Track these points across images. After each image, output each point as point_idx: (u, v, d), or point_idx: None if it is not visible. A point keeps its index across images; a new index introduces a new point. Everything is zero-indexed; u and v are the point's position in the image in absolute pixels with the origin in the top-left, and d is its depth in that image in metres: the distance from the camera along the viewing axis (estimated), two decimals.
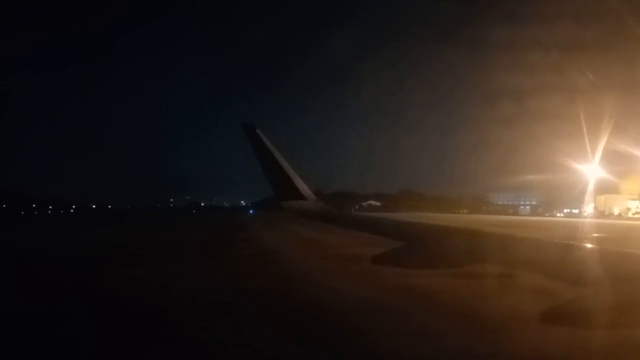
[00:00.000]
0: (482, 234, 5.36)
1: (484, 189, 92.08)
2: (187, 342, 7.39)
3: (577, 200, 60.63)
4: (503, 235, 5.35)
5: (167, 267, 15.94)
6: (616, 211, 60.92)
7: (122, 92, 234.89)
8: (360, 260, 14.15)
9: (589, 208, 56.73)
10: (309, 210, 7.56)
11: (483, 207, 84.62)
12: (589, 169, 42.44)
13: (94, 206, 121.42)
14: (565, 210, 69.01)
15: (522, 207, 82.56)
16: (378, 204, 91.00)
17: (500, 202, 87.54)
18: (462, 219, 47.08)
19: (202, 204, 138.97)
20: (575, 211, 64.04)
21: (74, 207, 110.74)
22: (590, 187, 47.25)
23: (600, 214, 57.84)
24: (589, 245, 4.77)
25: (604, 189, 57.69)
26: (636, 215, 57.82)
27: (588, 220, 47.88)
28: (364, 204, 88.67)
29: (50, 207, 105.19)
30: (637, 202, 61.42)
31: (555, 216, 65.61)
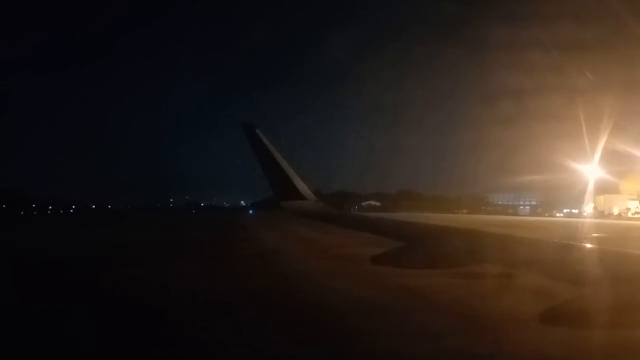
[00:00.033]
0: (481, 234, 5.36)
1: (483, 189, 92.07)
2: (187, 342, 7.40)
3: (577, 200, 60.68)
4: (502, 235, 5.36)
5: (167, 267, 15.94)
6: (616, 211, 60.89)
7: (122, 92, 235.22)
8: (359, 260, 14.16)
9: (588, 208, 56.74)
10: (309, 210, 7.56)
11: (483, 207, 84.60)
12: (589, 169, 42.49)
13: (94, 206, 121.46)
14: (564, 211, 68.99)
15: (521, 207, 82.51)
16: (378, 204, 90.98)
17: (500, 202, 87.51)
18: (462, 219, 47.09)
19: (202, 204, 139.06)
20: (575, 211, 64.04)
21: (74, 207, 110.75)
22: (590, 187, 47.31)
23: (599, 214, 57.81)
24: (588, 245, 4.78)
25: (603, 189, 57.70)
26: (636, 215, 57.81)
27: (587, 220, 47.87)
28: (363, 204, 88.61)
29: (50, 207, 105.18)
30: (637, 202, 61.42)
31: (555, 216, 65.60)
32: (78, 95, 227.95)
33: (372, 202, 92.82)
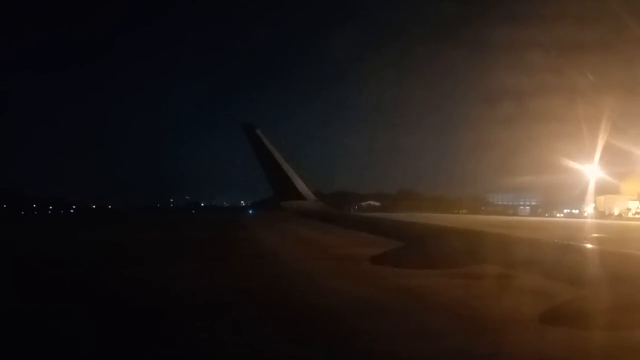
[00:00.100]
0: (481, 234, 5.36)
1: (483, 189, 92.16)
2: (187, 342, 7.40)
3: (577, 200, 60.79)
4: (502, 235, 5.35)
5: (167, 267, 15.94)
6: (616, 211, 60.93)
7: (122, 92, 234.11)
8: (359, 261, 14.15)
9: (589, 208, 56.79)
10: (309, 211, 7.56)
11: (482, 208, 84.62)
12: (589, 169, 42.51)
13: (94, 206, 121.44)
14: (565, 211, 69.03)
15: (521, 207, 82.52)
16: (377, 204, 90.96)
17: (500, 203, 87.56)
18: (462, 219, 47.09)
19: (202, 204, 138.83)
20: (575, 211, 64.10)
21: (74, 207, 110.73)
22: (590, 188, 47.32)
23: (600, 214, 57.84)
24: (588, 246, 4.78)
25: (603, 189, 57.68)
26: (636, 216, 57.84)
27: (588, 220, 47.91)
28: (363, 204, 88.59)
29: (50, 207, 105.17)
30: (637, 202, 61.44)
31: (555, 216, 65.62)
32: (78, 95, 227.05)
33: (372, 202, 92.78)
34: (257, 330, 8.02)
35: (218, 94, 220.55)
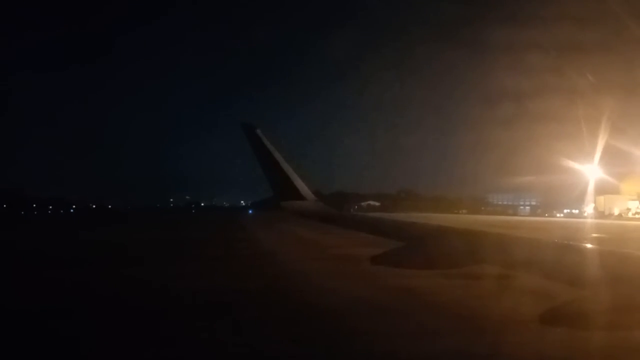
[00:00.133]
0: (481, 235, 5.36)
1: (483, 189, 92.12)
2: (187, 342, 7.40)
3: (577, 200, 60.78)
4: (502, 235, 5.36)
5: (167, 267, 15.95)
6: (616, 211, 60.94)
7: (122, 92, 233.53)
8: (359, 261, 14.14)
9: (588, 208, 56.80)
10: (309, 211, 7.57)
11: (482, 208, 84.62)
12: (589, 169, 42.56)
13: (94, 206, 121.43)
14: (565, 211, 69.04)
15: (521, 207, 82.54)
16: (377, 204, 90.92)
17: (500, 203, 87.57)
18: (462, 219, 47.08)
19: (202, 204, 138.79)
20: (575, 211, 64.10)
21: (74, 207, 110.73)
22: (590, 188, 47.36)
23: (600, 214, 57.86)
24: (588, 246, 4.78)
25: (603, 189, 57.70)
26: (636, 216, 57.85)
27: (588, 220, 47.92)
28: (363, 204, 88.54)
29: (50, 207, 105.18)
30: (637, 202, 61.45)
31: (555, 217, 65.63)
32: (78, 95, 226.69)
33: (372, 202, 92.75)
34: (257, 331, 8.03)
35: (218, 94, 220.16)
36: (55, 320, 8.78)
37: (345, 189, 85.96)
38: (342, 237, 20.77)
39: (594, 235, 26.22)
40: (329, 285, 12.09)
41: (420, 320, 8.66)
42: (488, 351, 6.80)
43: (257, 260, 17.72)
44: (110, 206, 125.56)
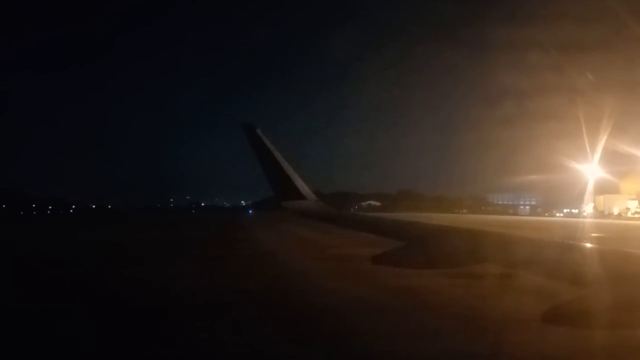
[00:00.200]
0: (482, 234, 5.36)
1: (483, 189, 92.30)
2: (187, 342, 7.39)
3: (577, 200, 60.78)
4: (503, 235, 5.35)
5: (167, 267, 15.95)
6: (615, 211, 60.99)
7: (122, 92, 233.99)
8: (359, 261, 14.16)
9: (588, 208, 56.83)
10: (309, 211, 7.55)
11: (483, 207, 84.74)
12: (589, 169, 42.63)
13: (94, 206, 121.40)
14: (565, 210, 69.10)
15: (521, 207, 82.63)
16: (378, 204, 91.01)
17: (500, 202, 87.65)
18: (462, 219, 47.11)
19: (203, 204, 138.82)
20: (575, 211, 64.13)
21: (74, 207, 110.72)
22: (590, 187, 47.41)
23: (599, 213, 57.92)
24: (588, 245, 4.77)
25: (603, 189, 57.83)
26: (635, 215, 57.88)
27: (588, 220, 47.96)
28: (363, 204, 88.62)
29: (50, 207, 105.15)
30: (637, 202, 61.49)
31: (555, 216, 65.67)
32: (78, 95, 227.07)
33: (372, 202, 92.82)
34: (257, 331, 8.02)
35: (218, 94, 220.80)
36: (55, 320, 8.77)
37: (345, 189, 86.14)
38: (343, 237, 20.76)
39: (594, 234, 26.23)
40: (329, 285, 12.08)
41: (422, 320, 8.65)
42: (490, 350, 6.79)
43: (257, 260, 17.71)
44: (110, 206, 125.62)
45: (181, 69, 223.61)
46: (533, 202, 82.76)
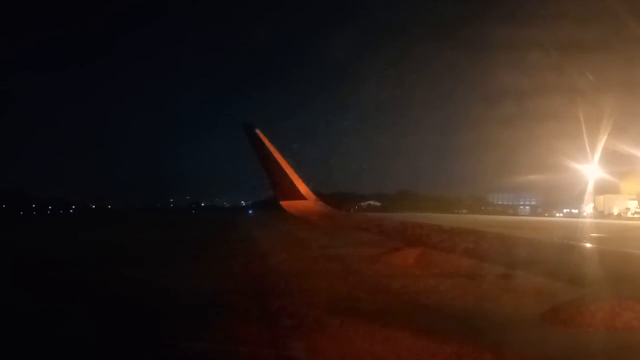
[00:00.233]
0: (481, 234, 5.37)
1: (483, 189, 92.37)
2: (187, 342, 7.39)
3: (577, 200, 60.86)
4: (503, 235, 5.37)
5: (167, 267, 15.94)
6: (615, 211, 61.01)
7: (122, 92, 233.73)
8: (358, 261, 14.15)
9: (588, 208, 56.87)
10: (309, 210, 7.58)
11: (482, 208, 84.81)
12: (589, 169, 42.65)
13: (94, 206, 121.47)
14: (564, 210, 69.14)
15: (521, 207, 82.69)
16: (377, 204, 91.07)
17: (500, 203, 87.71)
18: (462, 219, 47.10)
19: (203, 204, 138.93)
20: (575, 211, 64.19)
21: (73, 207, 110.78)
22: (590, 187, 47.43)
23: (599, 214, 57.97)
24: (588, 246, 4.78)
25: (603, 189, 57.86)
26: (635, 215, 57.90)
27: (587, 220, 47.98)
28: (363, 204, 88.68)
29: (50, 207, 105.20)
30: (636, 202, 61.50)
31: (555, 216, 65.68)
32: (78, 95, 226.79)
33: (372, 202, 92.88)
34: (257, 330, 8.01)
35: (218, 94, 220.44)
36: (55, 320, 8.77)
37: (345, 189, 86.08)
38: (343, 237, 20.76)
39: (593, 234, 26.24)
40: (329, 285, 12.07)
41: (422, 320, 8.64)
42: (490, 350, 6.79)
43: (257, 260, 17.72)
44: (110, 206, 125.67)
45: (181, 69, 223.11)
46: (533, 202, 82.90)
